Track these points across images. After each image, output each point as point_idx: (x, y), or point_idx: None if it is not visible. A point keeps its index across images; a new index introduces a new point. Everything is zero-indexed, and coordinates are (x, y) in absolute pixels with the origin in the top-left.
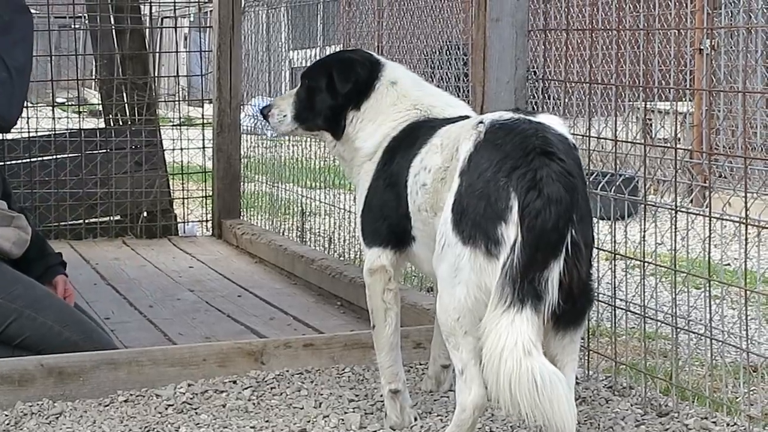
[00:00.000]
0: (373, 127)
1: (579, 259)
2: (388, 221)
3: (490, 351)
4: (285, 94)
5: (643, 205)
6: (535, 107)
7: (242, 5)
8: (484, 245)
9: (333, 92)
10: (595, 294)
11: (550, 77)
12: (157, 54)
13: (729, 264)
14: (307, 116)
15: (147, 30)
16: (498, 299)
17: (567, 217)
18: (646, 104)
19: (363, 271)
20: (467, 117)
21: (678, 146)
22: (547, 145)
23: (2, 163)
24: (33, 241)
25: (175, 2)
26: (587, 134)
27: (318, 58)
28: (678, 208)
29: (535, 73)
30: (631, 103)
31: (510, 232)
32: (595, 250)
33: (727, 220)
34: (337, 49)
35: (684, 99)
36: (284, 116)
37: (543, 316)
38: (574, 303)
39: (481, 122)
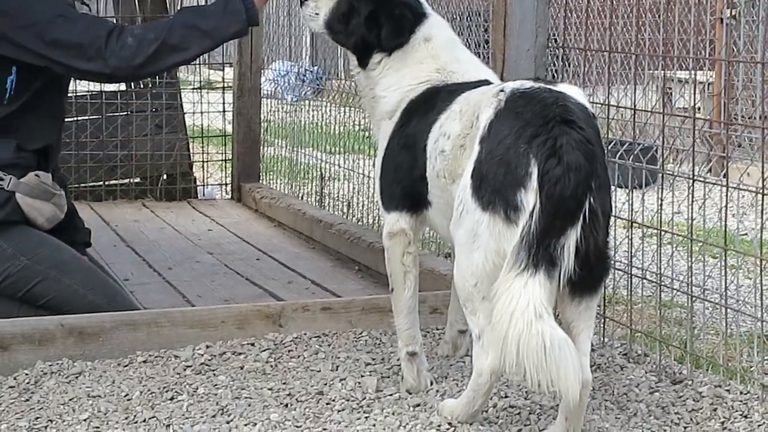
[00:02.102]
0: (395, 78)
1: (596, 226)
2: (404, 184)
3: (501, 311)
4: None
5: (661, 174)
6: (555, 75)
7: None
8: (503, 211)
9: (371, 27)
10: (612, 262)
11: (570, 45)
12: None
13: (746, 234)
14: (339, 30)
15: None
16: (513, 263)
17: (586, 185)
18: (665, 73)
19: (382, 235)
20: (487, 81)
21: (697, 116)
22: (567, 114)
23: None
24: (65, 213)
25: None
26: (606, 103)
27: None
28: (695, 178)
29: (555, 40)
30: (651, 71)
31: (529, 198)
32: (612, 219)
33: (744, 189)
34: None
35: (704, 68)
36: (316, 14)
37: (557, 282)
38: (590, 270)
39: (501, 90)
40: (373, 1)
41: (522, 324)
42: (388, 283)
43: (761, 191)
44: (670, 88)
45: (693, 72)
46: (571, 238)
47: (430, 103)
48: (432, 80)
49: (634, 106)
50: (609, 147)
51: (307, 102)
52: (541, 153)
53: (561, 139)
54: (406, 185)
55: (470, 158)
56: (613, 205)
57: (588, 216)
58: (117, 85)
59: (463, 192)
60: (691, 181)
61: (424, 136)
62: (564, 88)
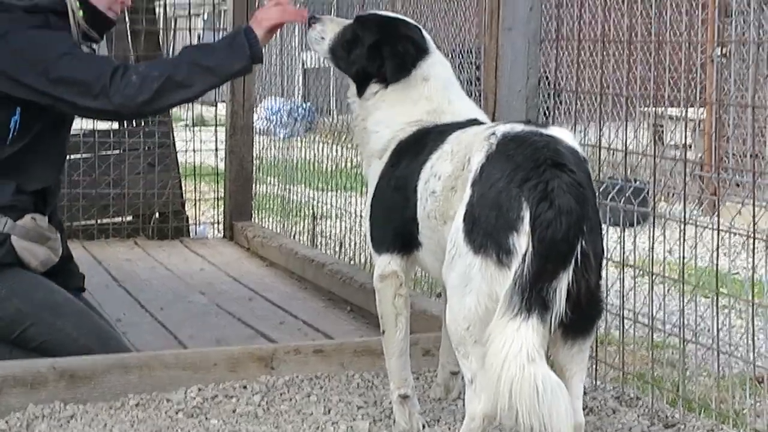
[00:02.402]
0: (388, 113)
1: (588, 269)
2: (394, 225)
3: (494, 355)
4: (337, 19)
5: (653, 212)
6: (547, 113)
7: (256, 6)
8: (495, 254)
9: (372, 58)
10: (604, 304)
11: (561, 87)
12: (172, 55)
13: (738, 273)
14: (341, 57)
15: (161, 31)
16: (506, 307)
17: (577, 228)
18: (656, 115)
19: (373, 277)
20: (476, 120)
21: (688, 158)
22: (558, 157)
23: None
24: (60, 257)
25: (189, 3)
26: (598, 145)
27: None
28: (687, 221)
29: (547, 78)
30: (642, 109)
31: (521, 241)
32: (604, 259)
33: (735, 233)
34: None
35: (695, 106)
36: (322, 38)
37: (549, 325)
38: (582, 313)
39: (493, 134)
40: (378, 32)
41: (515, 368)
42: (379, 325)
43: (752, 235)
44: (661, 126)
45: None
46: (563, 282)
47: (421, 144)
48: (423, 121)
49: (626, 148)
50: (600, 188)
51: (298, 139)
52: (532, 196)
53: (552, 183)
54: (396, 226)
55: (462, 201)
56: (605, 245)
57: (580, 259)
58: (110, 123)
59: (455, 235)
60: (682, 224)
61: (414, 176)
62: (555, 131)
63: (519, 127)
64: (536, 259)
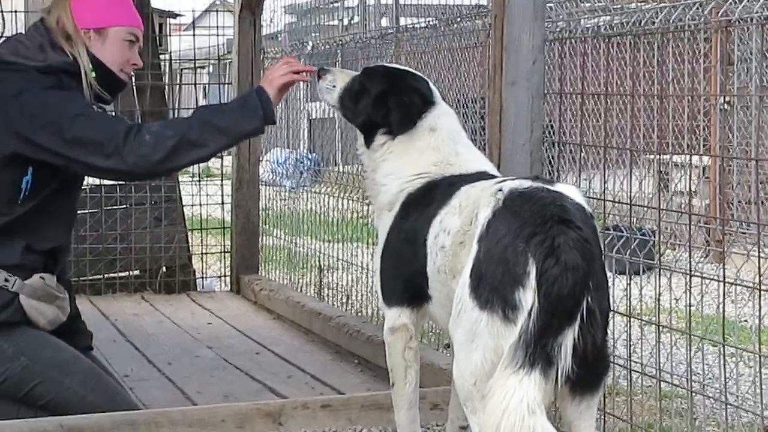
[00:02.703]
0: (396, 165)
1: (594, 326)
2: (404, 278)
3: (494, 405)
4: (345, 70)
5: (659, 264)
6: (551, 163)
7: (261, 60)
8: (501, 310)
9: (378, 107)
10: (611, 360)
11: (565, 140)
12: (177, 110)
13: (746, 320)
14: (348, 106)
15: (167, 86)
16: (509, 361)
17: (583, 285)
18: (660, 163)
19: (384, 330)
20: (485, 173)
21: (693, 206)
22: (565, 213)
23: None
24: (69, 315)
25: (195, 59)
26: (603, 198)
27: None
28: (692, 273)
29: (551, 127)
30: (647, 156)
31: (527, 297)
32: (611, 310)
33: (740, 285)
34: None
35: (699, 154)
36: (333, 86)
37: (552, 381)
38: (589, 369)
39: (500, 190)
40: (384, 83)
41: (514, 418)
42: (389, 378)
43: (758, 287)
44: (667, 173)
45: (689, 157)
46: (569, 338)
47: (429, 196)
48: (431, 174)
49: (630, 200)
50: (606, 240)
51: (305, 190)
52: (539, 252)
53: (559, 239)
54: (406, 279)
55: (469, 256)
56: (612, 294)
57: (586, 315)
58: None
59: (461, 291)
60: (688, 276)
61: (424, 230)
62: (561, 187)
63: (526, 184)
64: (542, 315)
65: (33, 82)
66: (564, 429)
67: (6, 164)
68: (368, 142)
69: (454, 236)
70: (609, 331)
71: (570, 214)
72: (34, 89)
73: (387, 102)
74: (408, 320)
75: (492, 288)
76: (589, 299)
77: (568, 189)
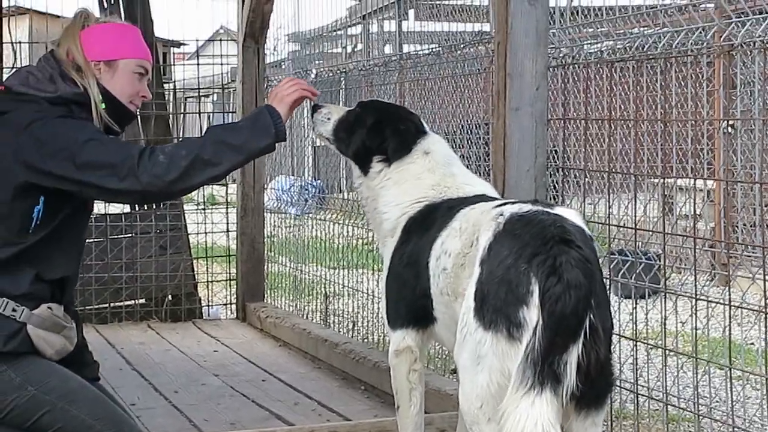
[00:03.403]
0: (395, 192)
1: (597, 342)
2: (408, 301)
3: (509, 431)
4: (339, 106)
5: (664, 288)
6: (556, 188)
7: (265, 88)
8: (506, 329)
9: (373, 136)
10: (616, 377)
11: (570, 165)
12: (182, 137)
13: (753, 343)
14: (342, 138)
15: (171, 115)
16: (519, 382)
17: (586, 302)
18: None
19: (389, 353)
20: (484, 195)
21: (698, 229)
22: (566, 234)
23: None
24: (76, 346)
25: (199, 88)
26: (607, 222)
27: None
28: (698, 297)
29: (556, 153)
30: (651, 180)
31: (532, 315)
32: (616, 335)
33: (746, 308)
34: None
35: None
36: (328, 119)
37: (562, 398)
38: (593, 385)
39: (501, 214)
40: (379, 114)
41: None
42: (394, 402)
43: (764, 311)
44: (671, 198)
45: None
46: (573, 355)
47: (429, 220)
48: (429, 197)
49: (635, 224)
50: (612, 264)
51: (309, 217)
52: (541, 271)
53: (561, 258)
54: (409, 302)
55: (471, 279)
56: (618, 319)
57: (589, 332)
58: (121, 207)
59: (465, 315)
60: (694, 300)
61: (425, 252)
62: (561, 210)
63: (526, 207)
64: (546, 333)
65: (43, 112)
66: None
67: (17, 194)
68: (364, 170)
69: (455, 258)
70: (615, 355)
71: (570, 234)
72: (44, 119)
73: (383, 130)
74: (413, 342)
75: (495, 308)
76: (592, 317)
77: (568, 212)
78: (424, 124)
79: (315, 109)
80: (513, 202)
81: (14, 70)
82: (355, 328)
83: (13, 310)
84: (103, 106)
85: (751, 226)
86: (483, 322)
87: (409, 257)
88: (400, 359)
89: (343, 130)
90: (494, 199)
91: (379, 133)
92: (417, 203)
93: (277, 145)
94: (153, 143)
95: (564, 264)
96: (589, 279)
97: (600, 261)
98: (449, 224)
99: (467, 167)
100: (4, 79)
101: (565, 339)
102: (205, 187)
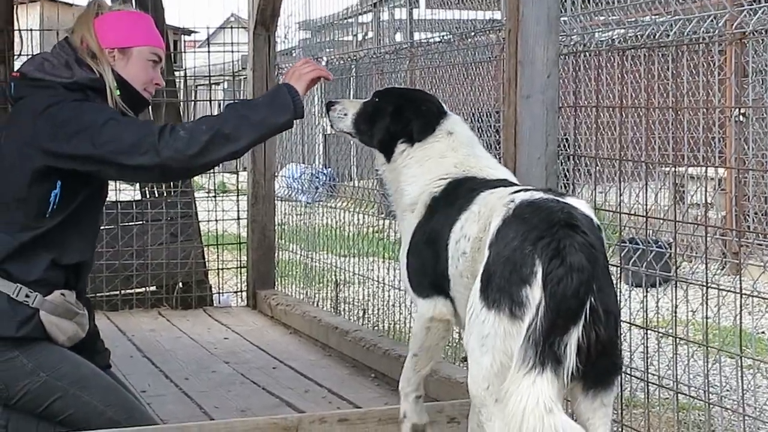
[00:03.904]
0: (419, 170)
1: (598, 323)
2: (430, 278)
3: (513, 410)
4: (353, 100)
5: (675, 276)
6: (567, 176)
7: (276, 75)
8: (508, 308)
9: (396, 120)
10: (623, 360)
11: (581, 153)
12: None
13: (764, 332)
14: (365, 130)
15: (182, 103)
16: (521, 362)
17: (588, 286)
18: (676, 172)
19: (420, 320)
20: (505, 180)
21: (709, 218)
22: (572, 219)
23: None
24: (88, 333)
25: (210, 75)
26: (619, 210)
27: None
28: (709, 285)
29: (567, 141)
30: (662, 169)
31: (535, 294)
32: (627, 323)
33: (757, 297)
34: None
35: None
36: (345, 115)
37: (562, 379)
38: (596, 366)
39: (512, 200)
40: (399, 100)
41: (534, 420)
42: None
43: None
44: (683, 186)
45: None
46: (573, 337)
47: (451, 198)
48: (451, 174)
49: (646, 213)
50: (623, 252)
51: (320, 205)
52: (545, 254)
53: (565, 241)
54: (432, 278)
55: (481, 262)
56: (629, 307)
57: (589, 315)
58: (132, 195)
59: (473, 296)
60: (704, 288)
61: (445, 234)
62: (571, 200)
63: (537, 195)
64: (548, 313)
65: (59, 97)
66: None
67: (35, 179)
68: (388, 156)
69: (473, 242)
70: (626, 344)
71: (576, 220)
72: (60, 103)
73: (406, 114)
74: (444, 308)
75: (499, 288)
76: (593, 300)
77: (578, 202)
78: (444, 106)
79: (329, 106)
80: (526, 189)
81: (26, 57)
82: (366, 315)
83: (27, 296)
84: (118, 92)
85: (762, 215)
86: (487, 301)
87: (429, 235)
88: (435, 324)
89: (364, 122)
90: (514, 184)
91: (403, 117)
92: (440, 180)
93: (287, 134)
94: None
95: (568, 247)
96: (592, 263)
97: (610, 249)
98: (469, 207)
99: None
100: (17, 66)
101: (566, 320)
102: (215, 174)
